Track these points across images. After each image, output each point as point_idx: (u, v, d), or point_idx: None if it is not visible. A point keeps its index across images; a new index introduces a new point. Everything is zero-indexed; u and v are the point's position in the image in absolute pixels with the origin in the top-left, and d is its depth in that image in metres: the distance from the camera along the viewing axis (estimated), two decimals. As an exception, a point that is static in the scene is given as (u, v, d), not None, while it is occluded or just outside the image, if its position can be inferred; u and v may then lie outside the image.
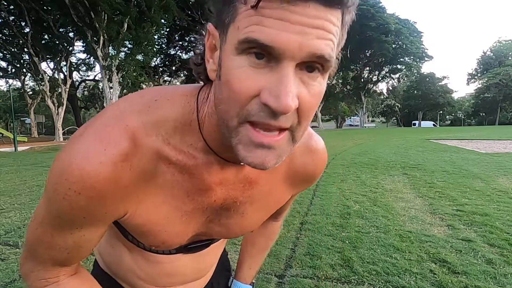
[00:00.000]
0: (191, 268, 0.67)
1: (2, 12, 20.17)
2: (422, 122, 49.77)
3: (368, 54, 39.97)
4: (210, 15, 0.41)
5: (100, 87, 33.03)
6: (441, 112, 51.69)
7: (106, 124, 0.44)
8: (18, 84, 28.27)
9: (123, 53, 21.97)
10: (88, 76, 36.03)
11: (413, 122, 51.83)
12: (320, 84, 0.39)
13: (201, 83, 0.49)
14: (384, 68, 43.29)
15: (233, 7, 0.36)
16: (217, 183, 0.51)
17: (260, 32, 0.34)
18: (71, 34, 23.19)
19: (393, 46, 36.96)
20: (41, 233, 0.49)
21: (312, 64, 0.36)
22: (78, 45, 27.47)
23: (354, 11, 0.39)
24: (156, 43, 28.52)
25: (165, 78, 38.81)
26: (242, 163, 0.46)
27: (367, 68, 42.39)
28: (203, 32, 0.45)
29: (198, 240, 0.62)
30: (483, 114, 50.97)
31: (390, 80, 51.25)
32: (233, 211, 0.56)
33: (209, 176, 0.50)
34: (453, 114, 56.80)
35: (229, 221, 0.58)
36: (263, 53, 0.35)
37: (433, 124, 49.31)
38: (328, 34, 0.35)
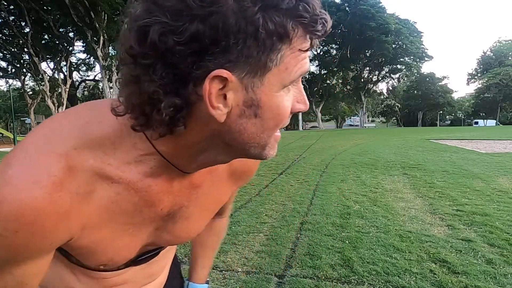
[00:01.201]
0: (141, 275, 0.66)
1: (2, 12, 20.18)
2: (486, 121, 47.82)
3: (368, 54, 39.99)
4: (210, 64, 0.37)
5: (100, 87, 33.04)
6: (441, 112, 51.67)
7: (35, 153, 0.42)
8: (18, 84, 28.30)
9: (123, 53, 21.88)
10: (88, 76, 36.03)
11: (474, 121, 49.38)
12: None
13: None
14: (384, 68, 43.32)
15: (280, 53, 0.38)
16: (165, 192, 0.51)
17: (305, 65, 0.42)
18: (71, 34, 23.21)
19: (393, 46, 36.98)
20: None
21: None
22: (78, 45, 27.48)
23: None
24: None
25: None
26: (189, 172, 0.50)
27: (367, 68, 42.40)
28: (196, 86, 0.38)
29: (146, 251, 0.61)
30: (483, 114, 50.95)
31: (390, 80, 51.34)
32: (179, 216, 0.56)
33: (156, 187, 0.49)
34: (453, 114, 56.78)
35: (175, 227, 0.58)
36: None
37: (496, 123, 46.31)
38: None
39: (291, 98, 0.43)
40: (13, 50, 23.01)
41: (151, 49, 0.36)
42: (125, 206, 0.48)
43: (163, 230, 0.57)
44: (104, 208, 0.47)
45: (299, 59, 0.40)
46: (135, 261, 0.60)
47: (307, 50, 0.40)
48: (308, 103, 0.46)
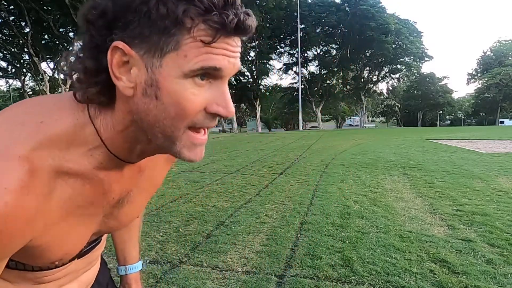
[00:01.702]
0: (82, 265, 0.68)
1: (2, 12, 20.18)
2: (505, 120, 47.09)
3: (368, 54, 39.97)
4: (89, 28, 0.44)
5: (100, 87, 32.95)
6: (441, 112, 51.66)
7: None
8: (18, 84, 28.28)
9: (123, 53, 21.90)
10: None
11: (500, 120, 48.43)
12: None
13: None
14: (384, 68, 43.28)
15: (175, 38, 0.41)
16: (115, 182, 0.54)
17: (212, 60, 0.42)
18: (71, 34, 23.19)
19: (393, 46, 36.96)
20: None
21: None
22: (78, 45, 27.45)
23: None
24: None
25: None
26: (135, 162, 0.54)
27: (367, 68, 42.38)
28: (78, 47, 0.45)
29: (90, 241, 0.62)
30: (483, 114, 50.94)
31: (390, 80, 51.27)
32: (126, 202, 0.60)
33: (108, 178, 0.52)
34: (453, 114, 56.77)
35: (121, 212, 0.61)
36: (208, 75, 0.44)
37: None
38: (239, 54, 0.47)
39: (204, 95, 0.44)
40: (13, 50, 23.03)
41: (83, 22, 0.44)
42: (81, 199, 0.50)
43: (110, 217, 0.59)
44: (63, 203, 0.48)
45: (203, 51, 0.41)
46: (79, 254, 0.61)
47: (210, 43, 0.41)
48: (231, 110, 0.45)
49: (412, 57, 40.81)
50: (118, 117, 0.47)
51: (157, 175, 0.66)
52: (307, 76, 41.63)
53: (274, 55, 40.12)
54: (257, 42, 35.54)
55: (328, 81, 41.60)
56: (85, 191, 0.50)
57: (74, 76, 0.46)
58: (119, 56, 0.42)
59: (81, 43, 0.45)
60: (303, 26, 36.36)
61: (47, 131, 0.45)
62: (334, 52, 40.71)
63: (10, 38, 22.28)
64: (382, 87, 68.60)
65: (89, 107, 0.48)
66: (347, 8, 36.45)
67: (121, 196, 0.57)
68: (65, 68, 0.47)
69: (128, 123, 0.47)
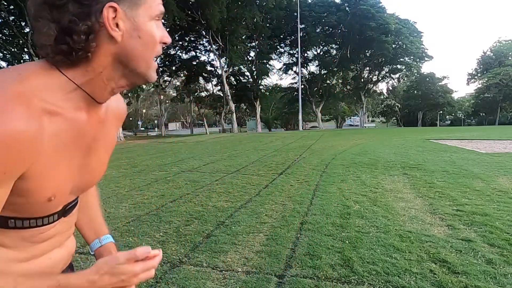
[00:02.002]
0: (65, 227, 0.75)
1: (2, 12, 20.17)
2: None
3: (368, 54, 39.93)
4: None
5: (100, 87, 32.92)
6: (441, 112, 51.63)
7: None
8: (18, 84, 28.22)
9: (123, 53, 21.87)
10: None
11: None
12: None
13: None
14: (384, 68, 43.21)
15: None
16: (88, 124, 0.64)
17: (161, 6, 0.63)
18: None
19: (393, 46, 36.89)
20: None
21: None
22: (78, 45, 27.41)
23: None
24: (156, 43, 28.42)
25: (165, 78, 38.77)
26: (102, 102, 0.65)
27: (367, 68, 42.35)
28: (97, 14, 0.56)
29: (71, 201, 0.73)
30: (483, 114, 50.91)
31: (390, 80, 51.21)
32: (93, 150, 0.69)
33: (83, 119, 0.63)
34: (453, 114, 56.73)
35: (91, 164, 0.70)
36: (157, 16, 0.63)
37: None
38: None
39: (160, 32, 0.63)
40: (13, 50, 23.01)
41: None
42: (64, 137, 0.59)
43: (83, 168, 0.68)
44: (50, 138, 0.56)
45: (157, 1, 0.63)
46: (64, 212, 0.71)
47: None
48: (170, 38, 0.66)
49: (412, 57, 40.74)
50: (96, 63, 0.60)
51: (111, 133, 0.76)
52: (307, 76, 41.59)
53: (274, 55, 40.13)
54: (257, 42, 35.54)
55: (328, 81, 41.56)
56: (67, 129, 0.60)
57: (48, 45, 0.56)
58: (111, 14, 0.57)
59: (49, 18, 0.55)
60: (303, 26, 36.33)
61: (25, 82, 0.55)
62: (334, 52, 40.67)
63: (10, 38, 22.27)
64: (382, 87, 68.64)
65: (59, 67, 0.59)
66: (347, 8, 36.42)
67: (90, 142, 0.67)
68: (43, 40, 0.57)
69: (106, 64, 0.60)
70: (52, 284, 0.59)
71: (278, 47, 40.01)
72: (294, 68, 40.87)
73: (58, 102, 0.58)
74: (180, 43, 34.70)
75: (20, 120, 0.51)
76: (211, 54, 35.06)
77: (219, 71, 33.55)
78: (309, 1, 37.83)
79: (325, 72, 40.92)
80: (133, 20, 0.59)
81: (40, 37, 0.57)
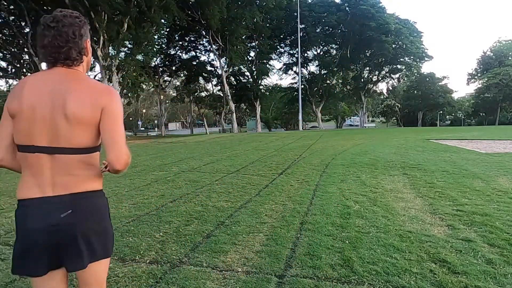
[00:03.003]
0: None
1: (2, 12, 20.17)
2: None
3: (368, 54, 39.92)
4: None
5: (100, 87, 32.87)
6: (441, 112, 51.61)
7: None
8: (18, 84, 28.22)
9: (123, 53, 21.94)
10: (88, 76, 35.99)
11: None
12: None
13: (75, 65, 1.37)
14: (384, 68, 43.19)
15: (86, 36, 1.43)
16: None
17: None
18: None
19: (393, 46, 36.87)
20: None
21: None
22: (78, 45, 27.41)
23: None
24: (156, 43, 28.48)
25: (165, 78, 38.77)
26: None
27: (367, 68, 42.34)
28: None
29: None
30: (483, 114, 50.87)
31: (390, 80, 51.15)
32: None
33: None
34: (453, 114, 56.68)
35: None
36: None
37: None
38: None
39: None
40: (13, 50, 23.01)
41: (78, 35, 1.35)
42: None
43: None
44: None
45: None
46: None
47: None
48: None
49: (412, 57, 40.71)
50: (83, 64, 1.39)
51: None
52: (307, 76, 41.57)
53: (274, 55, 40.07)
54: (257, 42, 35.52)
55: (328, 81, 41.53)
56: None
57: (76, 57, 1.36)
58: (88, 43, 1.40)
59: (81, 43, 1.37)
60: (303, 26, 36.31)
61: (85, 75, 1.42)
62: (334, 52, 40.66)
63: (10, 38, 22.27)
64: (382, 87, 68.67)
65: (77, 67, 1.36)
66: (347, 8, 36.41)
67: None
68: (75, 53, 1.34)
69: (85, 65, 1.41)
70: None
71: (278, 47, 39.98)
72: (294, 68, 40.87)
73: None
74: (180, 43, 34.73)
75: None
76: (211, 54, 35.12)
77: (219, 71, 33.56)
78: (309, 1, 37.82)
79: (325, 72, 40.89)
80: (90, 48, 1.41)
81: (71, 52, 1.31)
